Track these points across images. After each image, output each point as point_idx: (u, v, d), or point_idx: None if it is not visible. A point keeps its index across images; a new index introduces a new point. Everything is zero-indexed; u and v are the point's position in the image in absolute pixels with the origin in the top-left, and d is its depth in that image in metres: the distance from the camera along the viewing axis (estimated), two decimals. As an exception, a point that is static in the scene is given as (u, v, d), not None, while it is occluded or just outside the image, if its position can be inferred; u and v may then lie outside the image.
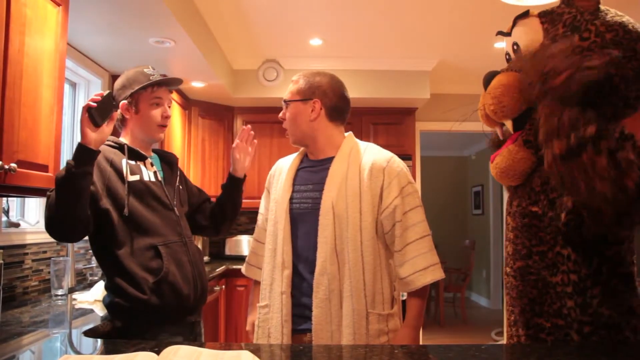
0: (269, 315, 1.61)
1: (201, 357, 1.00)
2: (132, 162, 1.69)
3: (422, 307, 1.58)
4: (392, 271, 1.60)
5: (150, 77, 1.73)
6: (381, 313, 1.53)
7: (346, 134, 1.70)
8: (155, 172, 1.75)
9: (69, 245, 2.56)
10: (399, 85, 4.11)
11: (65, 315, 1.94)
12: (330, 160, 1.63)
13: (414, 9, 3.11)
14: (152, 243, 1.62)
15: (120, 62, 3.03)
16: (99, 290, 2.21)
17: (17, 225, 2.22)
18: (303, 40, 3.65)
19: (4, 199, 2.16)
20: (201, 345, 1.12)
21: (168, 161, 1.88)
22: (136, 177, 1.67)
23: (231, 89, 4.01)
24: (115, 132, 1.64)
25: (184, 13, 2.65)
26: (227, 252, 4.33)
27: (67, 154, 2.83)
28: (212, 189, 3.96)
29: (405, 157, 4.20)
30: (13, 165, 1.50)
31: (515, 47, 1.36)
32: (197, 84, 3.65)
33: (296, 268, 1.59)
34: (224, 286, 3.69)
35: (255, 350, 1.15)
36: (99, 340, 1.39)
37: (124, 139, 1.75)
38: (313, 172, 1.66)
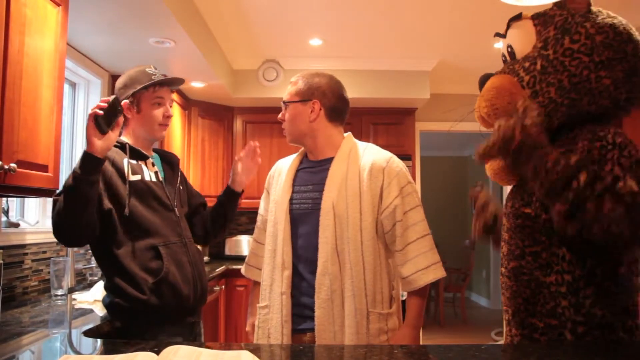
0: (269, 316, 1.61)
1: (201, 357, 1.00)
2: (134, 162, 1.69)
3: (422, 307, 1.59)
4: (391, 270, 1.61)
5: (152, 77, 1.73)
6: (381, 312, 1.54)
7: (345, 135, 1.71)
8: (156, 172, 1.75)
9: (69, 245, 2.56)
10: (399, 85, 4.11)
11: (65, 315, 1.94)
12: (329, 160, 1.64)
13: (414, 9, 3.11)
14: (152, 243, 1.62)
15: (120, 62, 3.03)
16: (98, 290, 2.21)
17: (16, 225, 2.22)
18: (303, 40, 3.65)
19: (4, 199, 2.16)
20: (201, 345, 1.12)
21: (169, 161, 1.87)
22: (137, 177, 1.66)
23: (231, 89, 4.01)
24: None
25: (184, 13, 2.65)
26: (227, 252, 4.33)
27: (66, 154, 2.84)
28: (212, 189, 3.97)
29: (405, 157, 4.19)
30: (13, 165, 1.50)
31: (509, 49, 1.36)
32: (197, 84, 3.65)
33: (296, 268, 1.59)
34: (223, 286, 3.69)
35: (255, 350, 1.15)
36: (99, 341, 1.39)
37: (125, 138, 1.75)
38: (313, 172, 1.66)
